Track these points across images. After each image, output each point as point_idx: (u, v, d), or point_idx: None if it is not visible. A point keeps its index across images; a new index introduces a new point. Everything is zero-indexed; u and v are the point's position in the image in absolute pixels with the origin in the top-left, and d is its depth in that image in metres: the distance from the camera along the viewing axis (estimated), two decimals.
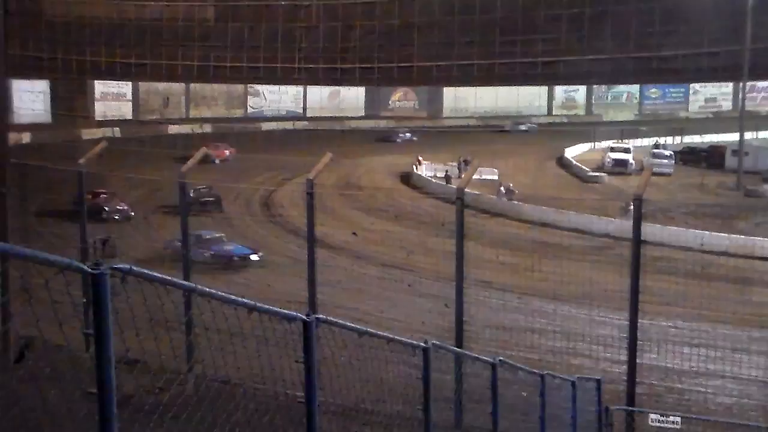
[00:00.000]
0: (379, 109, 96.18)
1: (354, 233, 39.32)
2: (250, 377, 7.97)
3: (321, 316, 5.81)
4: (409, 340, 7.53)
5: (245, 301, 5.32)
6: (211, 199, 42.39)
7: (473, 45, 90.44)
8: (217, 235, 35.03)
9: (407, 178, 56.52)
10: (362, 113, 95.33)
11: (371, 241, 38.47)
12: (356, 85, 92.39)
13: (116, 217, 40.67)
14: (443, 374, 11.07)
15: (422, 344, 7.39)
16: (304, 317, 5.52)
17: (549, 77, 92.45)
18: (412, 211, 46.38)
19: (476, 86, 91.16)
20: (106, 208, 40.30)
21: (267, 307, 5.51)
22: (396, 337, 7.43)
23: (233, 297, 5.33)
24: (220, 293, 5.29)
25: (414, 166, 57.71)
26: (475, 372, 10.35)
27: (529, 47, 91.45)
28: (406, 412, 8.02)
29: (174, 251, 28.44)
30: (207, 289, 5.06)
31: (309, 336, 5.51)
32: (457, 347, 14.82)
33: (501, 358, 9.77)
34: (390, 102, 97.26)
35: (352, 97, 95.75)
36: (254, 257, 34.06)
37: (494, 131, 79.26)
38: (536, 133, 78.54)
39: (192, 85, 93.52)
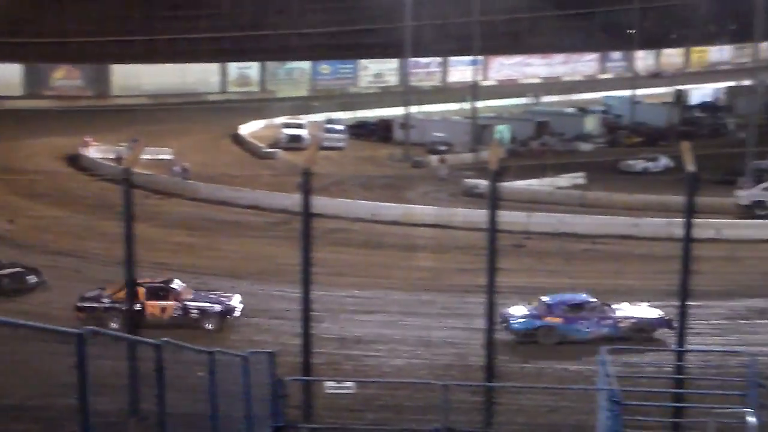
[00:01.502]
0: (41, 88, 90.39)
1: (11, 221, 36.83)
2: None
3: None
4: (63, 328, 6.96)
5: None
6: (26, 273, 27.47)
7: (133, 20, 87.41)
8: (591, 299, 24.29)
9: (75, 161, 53.74)
10: (20, 92, 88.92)
11: (36, 229, 36.18)
12: (5, 62, 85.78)
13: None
14: (119, 362, 10.55)
15: (76, 331, 6.85)
16: None
17: (215, 54, 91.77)
18: (82, 194, 44.23)
19: (137, 63, 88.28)
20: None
21: None
22: (47, 326, 6.84)
23: None
24: None
25: (82, 148, 55.00)
26: (150, 356, 9.89)
27: (193, 23, 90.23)
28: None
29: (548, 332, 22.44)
30: None
31: None
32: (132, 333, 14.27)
33: (166, 338, 9.41)
34: (51, 80, 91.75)
35: (7, 75, 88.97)
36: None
37: (164, 109, 77.18)
38: None
39: None
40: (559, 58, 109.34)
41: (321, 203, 34.43)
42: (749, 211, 40.79)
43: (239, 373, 11.73)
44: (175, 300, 24.35)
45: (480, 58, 79.07)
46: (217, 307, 24.45)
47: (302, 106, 77.97)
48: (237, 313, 24.51)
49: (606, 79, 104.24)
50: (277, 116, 71.13)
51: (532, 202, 42.14)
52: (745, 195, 42.19)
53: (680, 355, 14.91)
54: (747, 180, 45.03)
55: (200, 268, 30.50)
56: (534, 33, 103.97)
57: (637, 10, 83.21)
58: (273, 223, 38.19)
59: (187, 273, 29.69)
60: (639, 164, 55.31)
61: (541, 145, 63.01)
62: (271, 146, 60.22)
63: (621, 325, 23.31)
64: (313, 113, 74.52)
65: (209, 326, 24.12)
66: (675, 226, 23.19)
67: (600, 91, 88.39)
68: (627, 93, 77.20)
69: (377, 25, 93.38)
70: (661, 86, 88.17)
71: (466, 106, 67.65)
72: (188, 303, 24.36)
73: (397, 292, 28.21)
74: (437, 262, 32.49)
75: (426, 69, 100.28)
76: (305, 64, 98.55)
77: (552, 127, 67.51)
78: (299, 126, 63.97)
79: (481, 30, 66.52)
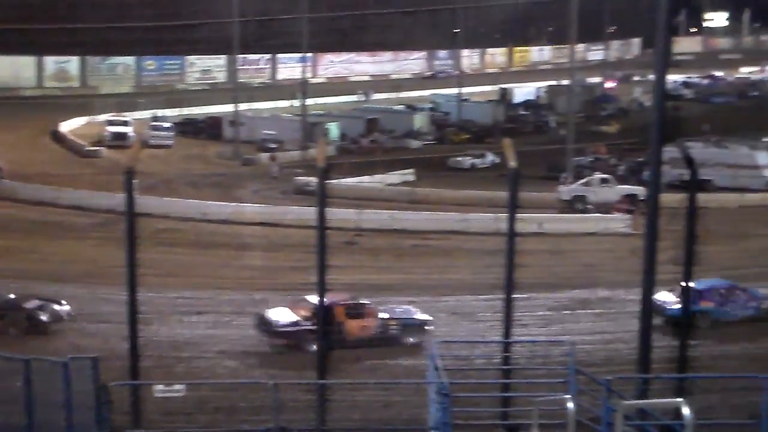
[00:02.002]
0: None
1: None
2: None
3: None
4: None
5: None
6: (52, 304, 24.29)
7: None
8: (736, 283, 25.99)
9: None
10: None
11: None
12: None
13: None
14: None
15: None
16: None
17: (27, 46, 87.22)
18: None
19: None
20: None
21: None
22: None
23: None
24: None
25: None
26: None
27: (1, 13, 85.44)
28: None
29: None
30: None
31: None
32: None
33: None
34: None
35: None
36: None
37: None
38: None
39: None
40: (387, 56, 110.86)
41: (148, 203, 33.68)
42: (570, 206, 42.50)
43: (60, 380, 11.21)
44: (373, 316, 23.08)
45: (309, 55, 79.13)
46: (416, 320, 23.27)
47: (127, 102, 75.82)
48: (431, 326, 23.24)
49: (433, 76, 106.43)
50: (101, 113, 68.86)
51: (364, 199, 42.47)
52: (566, 190, 43.92)
53: (506, 346, 15.30)
54: (568, 176, 46.91)
55: (19, 272, 29.01)
56: (362, 31, 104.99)
57: (461, 9, 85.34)
58: (97, 224, 36.85)
59: (5, 278, 28.27)
60: (467, 161, 56.72)
61: (371, 142, 63.71)
62: (95, 144, 58.21)
63: (763, 306, 24.97)
64: (139, 110, 72.58)
65: (411, 340, 22.95)
66: (502, 221, 23.78)
67: (428, 88, 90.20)
68: (454, 91, 79.06)
69: (203, 20, 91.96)
70: (483, 85, 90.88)
71: (296, 103, 67.55)
72: (387, 318, 23.15)
73: (229, 291, 27.78)
74: (269, 260, 32.22)
75: (255, 66, 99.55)
76: (129, 60, 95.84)
77: (382, 124, 68.43)
78: (124, 123, 62.10)
79: (309, 27, 66.56)
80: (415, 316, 23.52)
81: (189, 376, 20.21)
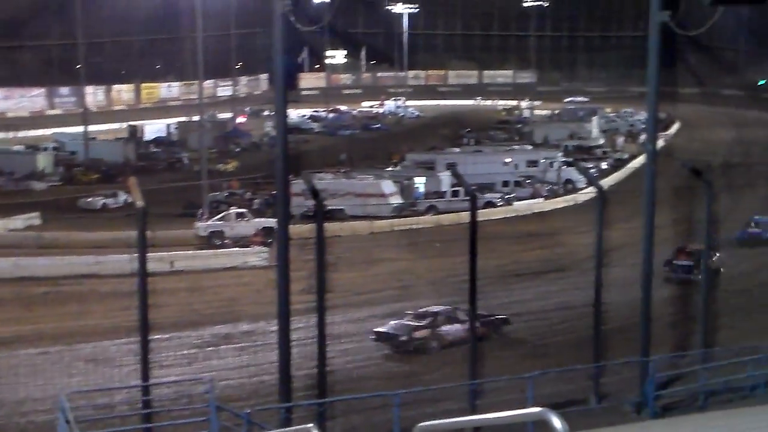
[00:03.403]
0: None
1: None
2: None
3: None
4: None
5: None
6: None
7: None
8: None
9: None
10: None
11: None
12: None
13: None
14: None
15: None
16: None
17: None
18: None
19: None
20: None
21: None
22: None
23: None
24: None
25: None
26: None
27: None
28: None
29: None
30: None
31: None
32: None
33: None
34: None
35: None
36: None
37: None
38: None
39: None
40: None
41: None
42: (208, 242, 42.36)
43: None
44: None
45: None
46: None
47: None
48: None
49: (56, 115, 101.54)
50: None
51: None
52: (203, 226, 43.73)
53: (146, 389, 14.75)
54: (204, 212, 46.68)
55: None
56: None
57: (83, 44, 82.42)
58: None
59: None
60: (98, 201, 54.59)
61: None
62: None
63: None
64: None
65: None
66: (136, 261, 23.12)
67: (51, 127, 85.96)
68: (80, 129, 75.97)
69: None
70: (111, 122, 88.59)
71: None
72: None
73: None
74: None
75: None
76: None
77: None
78: None
79: None
80: None
81: None
